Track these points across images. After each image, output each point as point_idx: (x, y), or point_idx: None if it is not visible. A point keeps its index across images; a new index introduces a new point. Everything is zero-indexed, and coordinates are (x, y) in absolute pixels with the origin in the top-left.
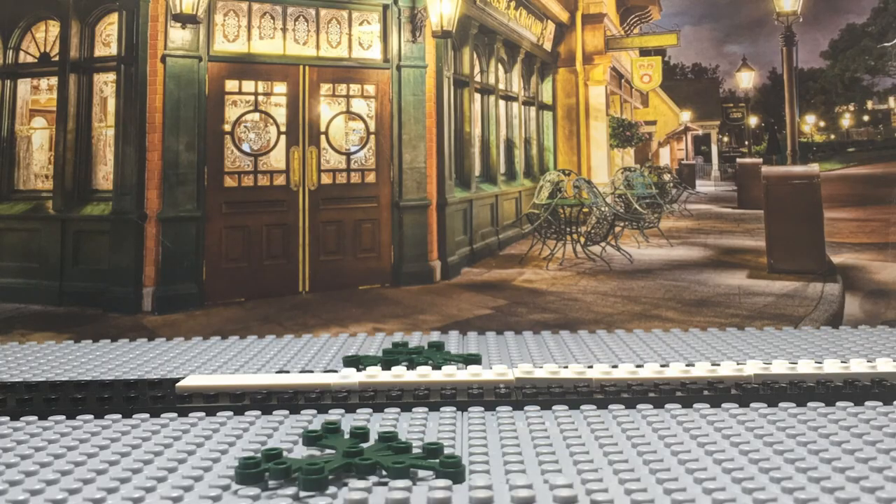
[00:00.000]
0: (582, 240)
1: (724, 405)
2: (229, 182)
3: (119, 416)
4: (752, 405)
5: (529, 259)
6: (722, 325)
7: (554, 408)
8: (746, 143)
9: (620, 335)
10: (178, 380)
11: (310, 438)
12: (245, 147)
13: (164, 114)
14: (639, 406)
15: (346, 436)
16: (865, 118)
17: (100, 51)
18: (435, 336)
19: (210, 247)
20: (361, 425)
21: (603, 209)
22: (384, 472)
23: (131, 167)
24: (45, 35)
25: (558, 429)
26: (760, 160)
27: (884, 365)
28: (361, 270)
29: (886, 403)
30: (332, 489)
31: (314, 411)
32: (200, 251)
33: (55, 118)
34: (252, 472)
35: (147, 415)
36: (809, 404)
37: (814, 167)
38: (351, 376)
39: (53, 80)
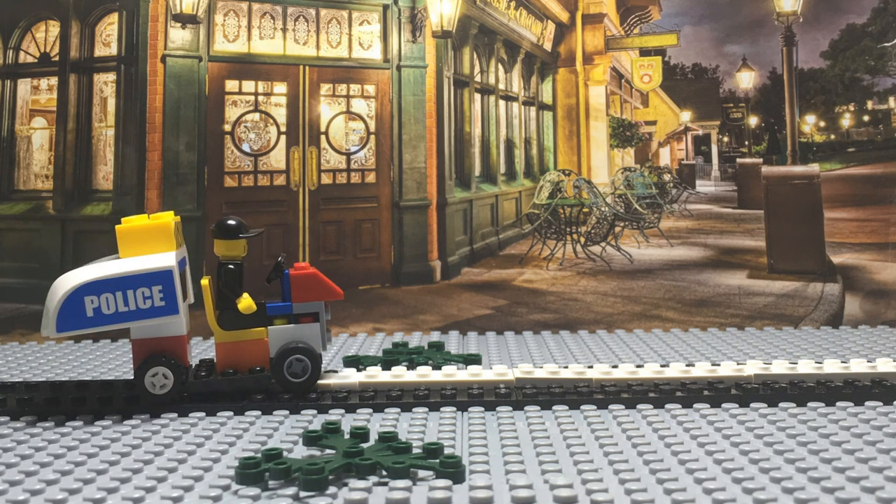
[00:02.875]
0: (582, 240)
1: (724, 405)
2: (229, 182)
3: (119, 416)
4: (752, 405)
5: (529, 259)
6: (722, 325)
7: (554, 408)
8: (746, 143)
9: (620, 335)
10: None
11: (310, 438)
12: (245, 147)
13: (164, 114)
14: (639, 406)
15: (346, 436)
16: (865, 118)
17: (100, 51)
18: (435, 336)
19: (210, 247)
20: (361, 425)
21: (603, 209)
22: (384, 472)
23: (131, 167)
24: (45, 35)
25: (558, 429)
26: (760, 160)
27: (884, 365)
28: (361, 270)
29: (886, 403)
30: (332, 489)
31: (314, 411)
32: (200, 251)
33: (55, 118)
34: (252, 472)
35: (147, 415)
36: (809, 404)
37: (814, 167)
38: (351, 376)
39: (53, 80)
